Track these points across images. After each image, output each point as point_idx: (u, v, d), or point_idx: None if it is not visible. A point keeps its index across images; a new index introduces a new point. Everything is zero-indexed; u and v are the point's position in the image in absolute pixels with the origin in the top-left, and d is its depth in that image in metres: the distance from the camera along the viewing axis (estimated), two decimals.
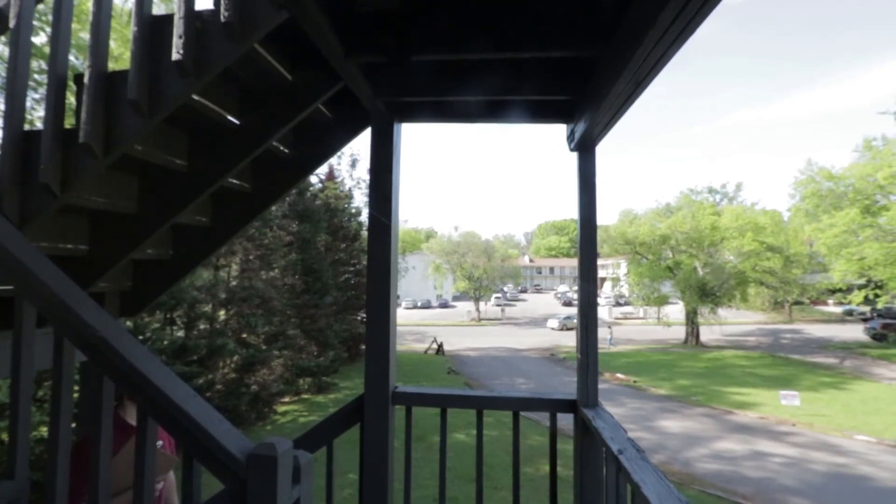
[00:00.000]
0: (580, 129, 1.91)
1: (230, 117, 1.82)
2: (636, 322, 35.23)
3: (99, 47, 1.36)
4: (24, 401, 1.28)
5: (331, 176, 18.65)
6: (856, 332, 27.43)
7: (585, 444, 1.93)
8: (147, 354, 1.23)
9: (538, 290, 64.61)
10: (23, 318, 1.27)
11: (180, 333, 10.22)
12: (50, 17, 1.43)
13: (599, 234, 30.00)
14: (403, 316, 40.71)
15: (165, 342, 9.07)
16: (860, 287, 21.05)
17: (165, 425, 1.18)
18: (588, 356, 2.01)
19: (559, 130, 2.27)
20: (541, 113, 2.16)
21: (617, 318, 37.50)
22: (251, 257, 12.48)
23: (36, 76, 5.70)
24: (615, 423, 1.75)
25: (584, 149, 2.05)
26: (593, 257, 2.05)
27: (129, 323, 8.13)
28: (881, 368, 19.39)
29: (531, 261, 71.83)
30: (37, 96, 5.85)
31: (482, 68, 1.90)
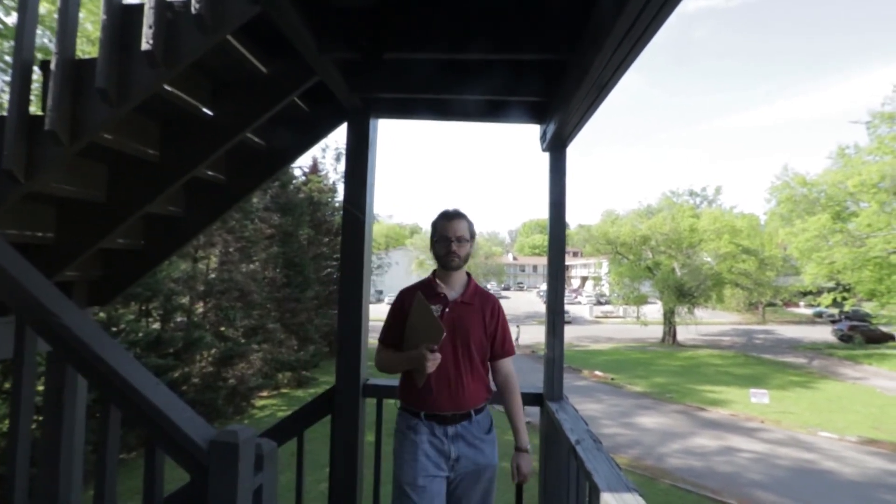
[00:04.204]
0: (551, 129, 1.96)
1: (203, 108, 1.81)
2: (616, 321, 35.81)
3: (66, 34, 1.35)
4: None
5: (314, 169, 18.46)
6: (825, 334, 28.41)
7: (550, 435, 2.00)
8: (111, 342, 1.24)
9: (521, 287, 65.18)
10: None
11: (156, 326, 10.03)
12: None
13: (582, 234, 30.52)
14: (386, 311, 40.55)
15: (140, 334, 8.89)
16: (829, 290, 21.80)
17: (128, 413, 1.19)
18: (554, 351, 2.07)
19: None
20: (515, 113, 2.21)
21: (597, 317, 38.08)
22: (231, 249, 12.31)
23: (6, 57, 5.52)
24: (577, 415, 1.82)
25: (556, 149, 2.11)
26: (562, 256, 2.11)
27: (102, 314, 7.95)
28: (846, 368, 20.17)
29: (515, 259, 72.31)
30: (6, 78, 5.66)
31: (457, 68, 1.94)
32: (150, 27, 1.31)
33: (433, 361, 1.62)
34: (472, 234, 1.82)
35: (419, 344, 1.64)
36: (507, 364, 1.83)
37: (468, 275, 1.87)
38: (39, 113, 1.43)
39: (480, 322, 1.77)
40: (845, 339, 25.70)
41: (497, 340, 1.80)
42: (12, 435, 1.26)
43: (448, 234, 1.75)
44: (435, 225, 1.80)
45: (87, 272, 2.23)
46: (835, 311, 29.02)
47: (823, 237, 19.43)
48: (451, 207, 1.82)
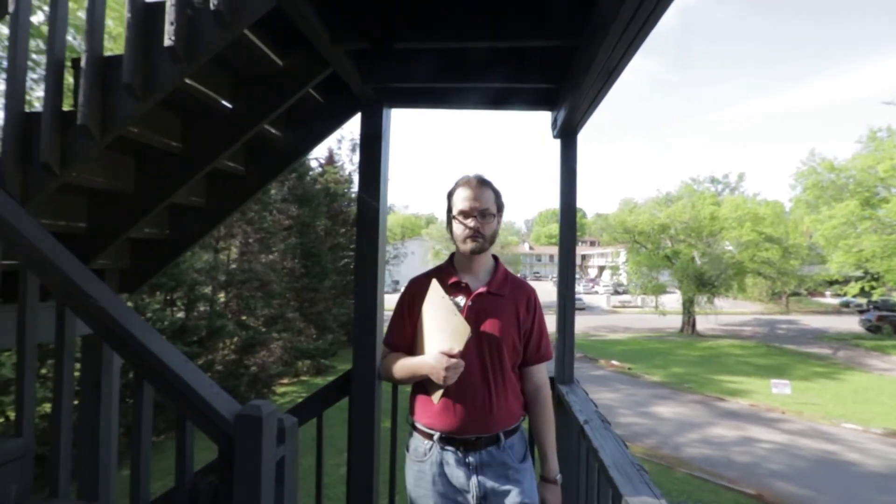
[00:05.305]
0: (562, 116, 1.97)
1: (223, 101, 1.88)
2: (634, 310, 35.46)
3: (94, 32, 1.43)
4: (29, 365, 1.38)
5: (330, 160, 18.64)
6: (851, 324, 27.63)
7: (560, 417, 2.04)
8: (143, 323, 1.32)
9: (537, 277, 64.94)
10: (27, 287, 1.36)
11: (180, 315, 10.37)
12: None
13: (599, 223, 30.14)
14: None
15: (166, 323, 9.22)
16: (857, 279, 21.15)
17: (161, 388, 1.28)
18: (565, 336, 2.10)
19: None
20: (526, 101, 2.22)
21: (615, 307, 37.73)
22: (251, 240, 12.57)
23: (33, 55, 5.72)
24: (586, 397, 1.86)
25: (567, 136, 2.12)
26: (573, 242, 2.13)
27: (129, 303, 8.27)
28: (874, 359, 19.60)
29: (531, 248, 71.95)
30: (35, 76, 5.86)
31: (468, 56, 1.96)
32: (172, 24, 1.37)
33: (454, 370, 1.27)
34: (500, 207, 1.45)
35: (436, 347, 1.31)
36: (541, 372, 1.47)
37: (496, 259, 1.51)
38: (68, 108, 1.51)
39: (513, 318, 1.41)
40: (873, 329, 24.92)
41: (532, 341, 1.44)
42: (55, 413, 1.35)
43: (467, 208, 1.37)
44: (451, 196, 1.43)
45: (117, 261, 2.35)
46: (862, 300, 28.15)
47: (851, 224, 18.82)
48: (471, 173, 1.45)
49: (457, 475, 1.34)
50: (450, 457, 1.35)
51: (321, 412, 2.27)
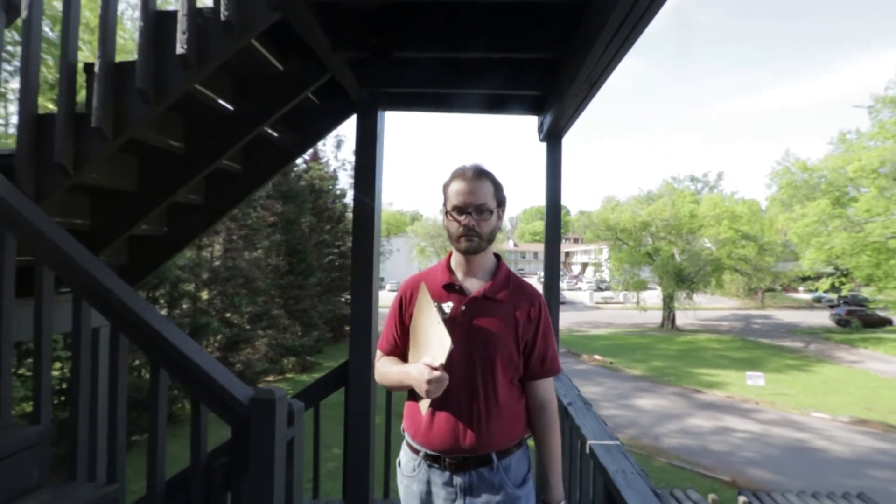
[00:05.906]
0: (548, 121, 2.10)
1: (225, 104, 1.96)
2: (616, 306, 36.11)
3: (107, 39, 1.49)
4: (45, 356, 1.45)
5: (315, 157, 18.53)
6: (822, 318, 28.71)
7: None
8: (158, 315, 1.41)
9: (522, 274, 65.11)
10: (43, 282, 1.43)
11: (163, 312, 10.26)
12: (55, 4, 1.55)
13: (583, 221, 30.61)
14: (388, 297, 40.91)
15: None
16: (828, 275, 21.96)
17: (178, 375, 1.36)
18: None
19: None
20: (514, 106, 2.35)
21: (597, 303, 38.37)
22: (235, 237, 12.48)
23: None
24: (570, 383, 2.00)
25: (552, 139, 2.25)
26: (558, 240, 2.27)
27: None
28: (843, 352, 20.46)
29: (515, 245, 72.45)
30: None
31: (460, 64, 2.07)
32: (184, 33, 1.45)
33: (436, 384, 1.14)
34: (501, 201, 1.29)
35: (421, 357, 1.21)
36: (546, 387, 1.31)
37: (497, 258, 1.36)
38: (83, 111, 1.58)
39: (510, 327, 1.25)
40: (843, 323, 25.97)
41: (535, 353, 1.27)
42: (73, 400, 1.42)
43: (461, 203, 1.23)
44: (446, 189, 1.28)
45: (116, 257, 2.40)
46: (833, 295, 29.24)
47: (823, 222, 19.52)
48: (468, 163, 1.29)
49: (442, 496, 1.23)
50: (437, 476, 1.24)
51: (318, 401, 2.37)
